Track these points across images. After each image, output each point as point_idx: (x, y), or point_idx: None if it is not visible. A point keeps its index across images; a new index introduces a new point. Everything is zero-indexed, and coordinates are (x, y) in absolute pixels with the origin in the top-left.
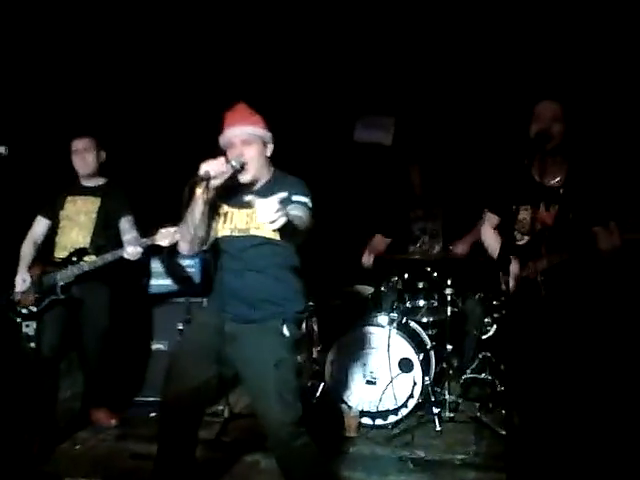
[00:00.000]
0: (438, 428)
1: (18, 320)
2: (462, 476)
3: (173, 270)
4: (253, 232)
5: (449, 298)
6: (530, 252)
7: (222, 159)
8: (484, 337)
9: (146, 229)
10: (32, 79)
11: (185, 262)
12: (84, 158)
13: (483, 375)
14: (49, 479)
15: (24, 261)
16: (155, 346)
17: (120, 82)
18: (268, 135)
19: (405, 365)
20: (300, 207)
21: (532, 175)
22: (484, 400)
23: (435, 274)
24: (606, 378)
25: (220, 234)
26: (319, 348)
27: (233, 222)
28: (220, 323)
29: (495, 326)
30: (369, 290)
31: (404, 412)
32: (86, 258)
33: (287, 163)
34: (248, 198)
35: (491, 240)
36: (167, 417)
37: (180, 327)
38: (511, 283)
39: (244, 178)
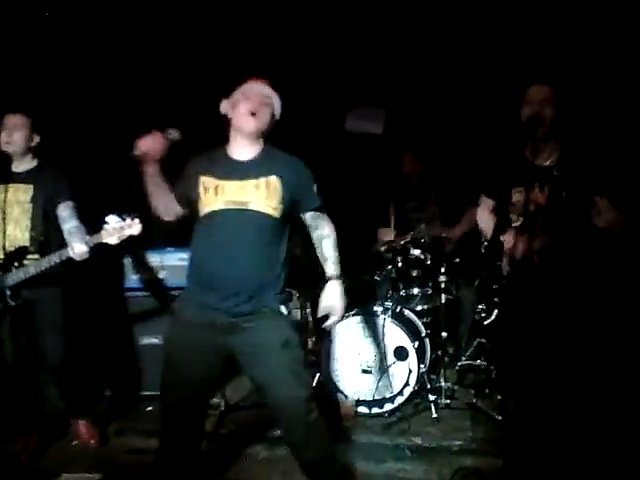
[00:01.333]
0: (434, 415)
1: None
2: (459, 462)
3: (145, 266)
4: (253, 206)
5: (443, 285)
6: (524, 233)
7: (155, 133)
8: (486, 322)
9: (91, 219)
10: None
11: (177, 255)
12: (10, 135)
13: (478, 362)
14: (47, 476)
15: None
16: (149, 340)
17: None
18: (279, 110)
19: (400, 353)
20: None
21: (525, 157)
22: (480, 386)
23: (429, 262)
24: (604, 359)
25: (211, 208)
26: (314, 338)
27: (225, 194)
28: (211, 318)
29: (496, 311)
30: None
31: (400, 400)
32: (29, 257)
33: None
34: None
35: (487, 223)
36: (170, 422)
37: None
38: (505, 263)
39: (248, 126)
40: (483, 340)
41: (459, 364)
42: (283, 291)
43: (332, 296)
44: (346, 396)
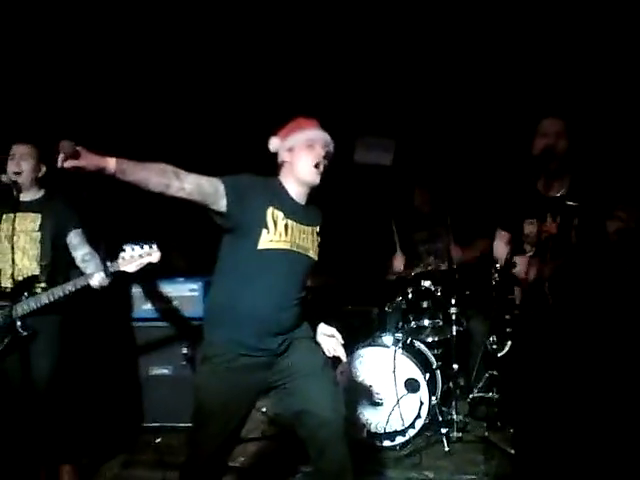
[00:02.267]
0: (446, 448)
1: None
2: None
3: (155, 296)
4: (309, 252)
5: (454, 317)
6: (536, 260)
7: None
8: (499, 355)
9: (107, 247)
10: None
11: (187, 285)
12: (19, 165)
13: (490, 394)
14: None
15: None
16: (158, 371)
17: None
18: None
19: (411, 385)
20: None
21: (537, 189)
22: (492, 419)
23: (439, 293)
24: (616, 389)
25: (273, 245)
26: None
27: (294, 236)
28: (252, 360)
29: (509, 342)
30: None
31: (412, 433)
32: (38, 286)
33: None
34: None
35: (504, 255)
36: (201, 470)
37: (184, 351)
38: (517, 293)
39: (310, 178)
40: (495, 372)
41: (471, 396)
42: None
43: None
44: (357, 429)
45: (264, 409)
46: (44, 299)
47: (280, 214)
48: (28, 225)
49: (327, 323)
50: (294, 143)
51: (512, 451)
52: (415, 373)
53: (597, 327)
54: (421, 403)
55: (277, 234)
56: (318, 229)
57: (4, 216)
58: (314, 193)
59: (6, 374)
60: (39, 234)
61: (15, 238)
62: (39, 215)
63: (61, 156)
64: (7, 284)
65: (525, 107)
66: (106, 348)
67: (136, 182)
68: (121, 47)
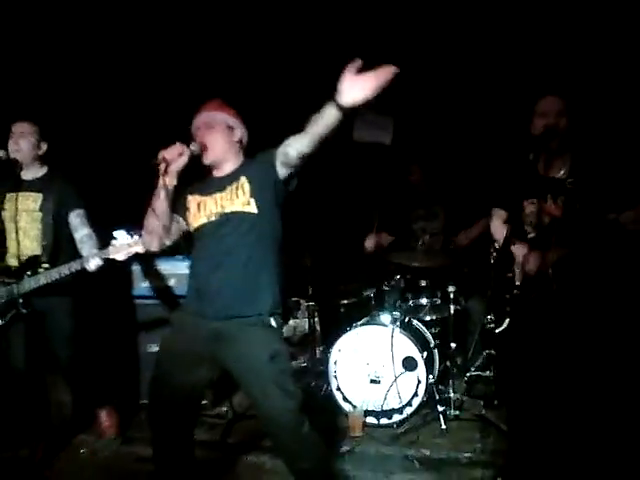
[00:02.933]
0: (443, 426)
1: None
2: (468, 474)
3: (154, 274)
4: (228, 209)
5: (452, 296)
6: (539, 245)
7: (178, 144)
8: (497, 331)
9: (102, 228)
10: None
11: (186, 263)
12: (17, 143)
13: (487, 373)
14: None
15: None
16: (157, 348)
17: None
18: (233, 120)
19: (409, 364)
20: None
21: (536, 169)
22: (489, 397)
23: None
24: (616, 372)
25: (196, 224)
26: (322, 348)
27: (207, 209)
28: (201, 324)
29: (507, 320)
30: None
31: (409, 411)
32: (43, 266)
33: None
34: None
35: (502, 235)
36: (157, 426)
37: None
38: (518, 274)
39: (206, 159)
40: (492, 351)
41: (468, 375)
42: (277, 301)
43: None
44: (354, 406)
45: None
46: (42, 280)
47: (194, 197)
48: (29, 205)
49: (324, 303)
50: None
51: (504, 427)
52: (413, 351)
53: (601, 314)
54: (418, 381)
55: (193, 215)
56: (242, 179)
57: (7, 195)
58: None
59: (10, 350)
60: (40, 214)
61: (17, 218)
62: (40, 195)
63: (184, 152)
64: (14, 263)
65: (523, 85)
66: (105, 325)
67: (159, 206)
68: (124, 41)
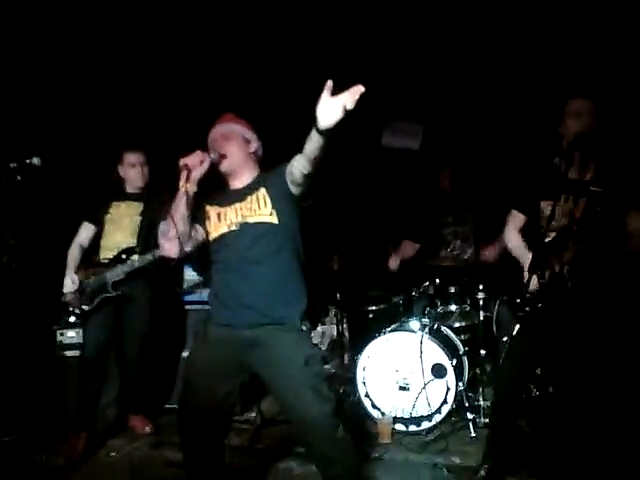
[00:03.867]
0: (473, 434)
1: (69, 333)
2: None
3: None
4: (250, 219)
5: (481, 302)
6: (557, 246)
7: (199, 152)
8: (505, 338)
9: None
10: (59, 89)
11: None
12: (141, 171)
13: None
14: None
15: (71, 264)
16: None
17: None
18: (249, 133)
19: (438, 371)
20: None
21: (559, 170)
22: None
23: (466, 279)
24: (633, 371)
25: (216, 233)
26: (350, 354)
27: (228, 218)
28: (232, 334)
29: (518, 326)
30: None
31: (438, 418)
32: (133, 258)
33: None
34: None
35: (517, 242)
36: (188, 435)
37: None
38: (533, 281)
39: (223, 167)
40: None
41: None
42: (305, 306)
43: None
44: (383, 413)
45: None
46: (136, 264)
47: (213, 208)
48: (132, 211)
49: (353, 309)
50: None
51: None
52: (442, 358)
53: (613, 314)
54: (448, 388)
55: (213, 224)
56: (262, 191)
57: (114, 203)
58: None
59: (85, 336)
60: (139, 218)
61: (120, 220)
62: (142, 204)
63: (204, 159)
64: (107, 255)
65: (548, 87)
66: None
67: (180, 209)
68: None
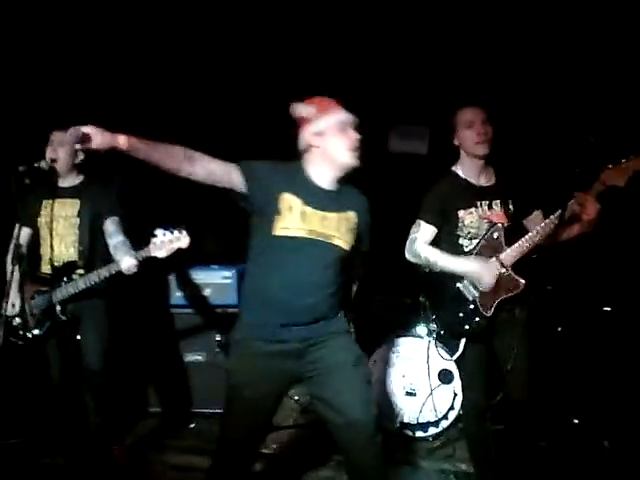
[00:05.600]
0: None
1: (21, 344)
2: None
3: (189, 284)
4: (330, 238)
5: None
6: (488, 251)
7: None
8: (454, 358)
9: (139, 234)
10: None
11: (221, 273)
12: (55, 151)
13: None
14: None
15: (14, 281)
16: (193, 357)
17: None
18: None
19: (445, 376)
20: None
21: (467, 180)
22: None
23: None
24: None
25: (290, 232)
26: None
27: (312, 224)
28: (281, 347)
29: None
30: None
31: (445, 424)
32: (77, 272)
33: None
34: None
35: (433, 252)
36: (230, 449)
37: (218, 338)
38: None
39: (353, 163)
40: None
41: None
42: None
43: None
44: (390, 419)
45: (296, 397)
46: (81, 284)
47: (297, 200)
48: (67, 211)
49: (359, 313)
50: (324, 127)
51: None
52: (449, 364)
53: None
54: (455, 394)
55: (292, 221)
56: (351, 214)
57: (44, 202)
58: (347, 177)
59: (48, 360)
60: (77, 220)
61: (54, 224)
62: (77, 201)
63: (72, 143)
64: (47, 270)
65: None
66: (141, 334)
67: (150, 162)
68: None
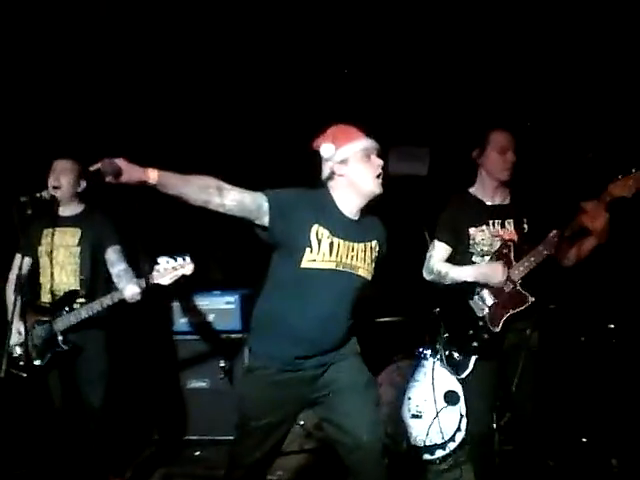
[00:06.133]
0: None
1: (24, 375)
2: None
3: (192, 310)
4: (355, 269)
5: None
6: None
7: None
8: (464, 375)
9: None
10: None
11: (224, 299)
12: (57, 180)
13: None
14: None
15: (17, 309)
16: (197, 384)
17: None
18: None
19: (451, 398)
20: None
21: (480, 199)
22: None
23: None
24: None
25: (320, 265)
26: None
27: (340, 256)
28: (296, 375)
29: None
30: None
31: (452, 446)
32: (78, 301)
33: None
34: None
35: (449, 266)
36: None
37: (222, 364)
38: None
39: (378, 190)
40: None
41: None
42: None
43: None
44: (396, 441)
45: (302, 422)
46: (83, 313)
47: (325, 232)
48: (68, 240)
49: (363, 335)
50: (348, 155)
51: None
52: (454, 385)
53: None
54: (461, 416)
55: (321, 253)
56: (374, 243)
57: (44, 231)
58: (371, 205)
59: (49, 391)
60: (78, 249)
61: (55, 253)
62: (79, 230)
63: (106, 176)
64: (47, 299)
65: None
66: (145, 362)
67: (177, 196)
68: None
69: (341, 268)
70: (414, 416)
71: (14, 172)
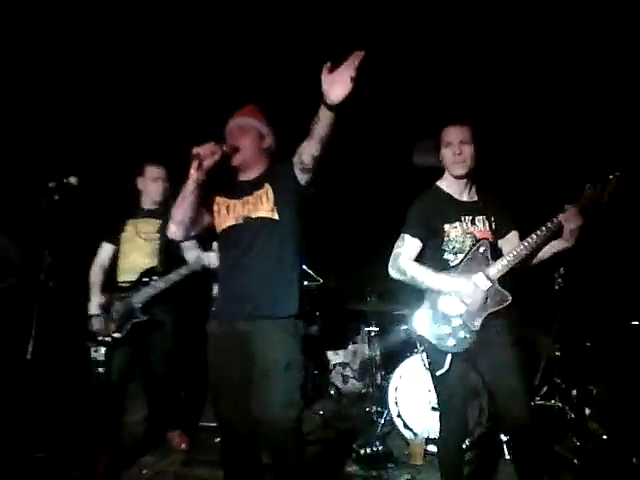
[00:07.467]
0: (507, 456)
1: (102, 350)
2: None
3: None
4: (254, 214)
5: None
6: (474, 266)
7: (212, 143)
8: (439, 373)
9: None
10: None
11: None
12: (161, 186)
13: (552, 402)
14: None
15: (95, 287)
16: None
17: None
18: (266, 128)
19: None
20: None
21: (451, 195)
22: (554, 428)
23: None
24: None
25: (224, 225)
26: (382, 374)
27: (236, 211)
28: (232, 328)
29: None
30: None
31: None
32: (155, 278)
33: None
34: None
35: (419, 270)
36: (226, 444)
37: None
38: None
39: (235, 161)
40: (557, 380)
41: (532, 404)
42: (298, 304)
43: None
44: (415, 434)
45: (321, 412)
46: (161, 285)
47: (225, 200)
48: (149, 228)
49: (385, 328)
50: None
51: (575, 461)
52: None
53: None
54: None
55: (223, 216)
56: (266, 186)
57: (129, 221)
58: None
59: (114, 356)
60: (158, 235)
61: (136, 239)
62: (159, 221)
63: (216, 149)
64: (126, 279)
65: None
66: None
67: (183, 192)
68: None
69: (241, 221)
70: (434, 409)
71: (39, 160)
